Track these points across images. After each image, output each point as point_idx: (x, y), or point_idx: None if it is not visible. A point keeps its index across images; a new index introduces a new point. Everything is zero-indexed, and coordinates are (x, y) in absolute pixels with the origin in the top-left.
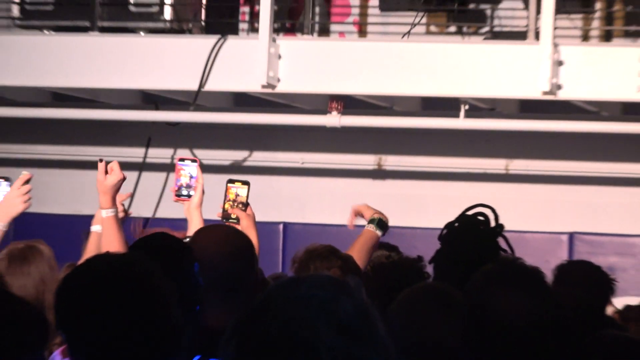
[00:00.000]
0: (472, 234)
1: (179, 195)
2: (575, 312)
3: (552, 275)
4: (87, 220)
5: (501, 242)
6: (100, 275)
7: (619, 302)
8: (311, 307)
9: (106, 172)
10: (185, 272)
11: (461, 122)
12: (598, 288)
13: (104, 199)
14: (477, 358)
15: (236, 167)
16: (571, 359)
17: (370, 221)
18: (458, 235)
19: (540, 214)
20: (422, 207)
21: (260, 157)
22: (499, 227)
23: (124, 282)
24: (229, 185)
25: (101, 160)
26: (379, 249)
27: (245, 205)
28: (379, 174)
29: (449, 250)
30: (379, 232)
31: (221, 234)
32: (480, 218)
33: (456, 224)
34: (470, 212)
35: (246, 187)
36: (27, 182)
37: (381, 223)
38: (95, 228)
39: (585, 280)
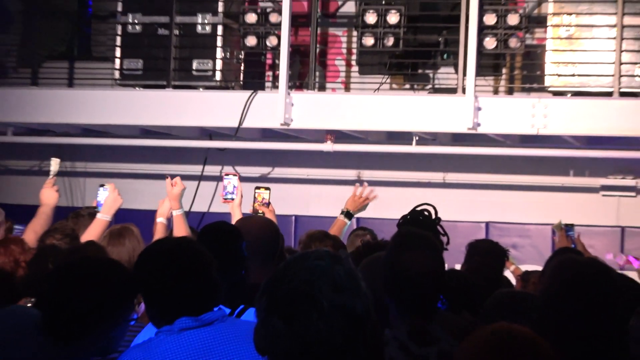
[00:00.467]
0: (419, 223)
1: (225, 198)
2: (479, 274)
3: (466, 249)
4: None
5: (439, 229)
6: (168, 249)
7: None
8: (315, 272)
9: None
10: (236, 247)
11: (413, 148)
12: (496, 255)
13: (173, 203)
14: (394, 301)
15: (263, 178)
16: (473, 306)
17: (341, 212)
18: (409, 223)
19: (466, 209)
20: (386, 205)
21: (279, 172)
22: (437, 219)
23: (184, 254)
24: (257, 190)
25: (168, 177)
26: (357, 230)
27: (268, 204)
28: (358, 182)
29: None
30: (346, 220)
31: (258, 222)
32: (425, 213)
33: (408, 216)
34: (418, 208)
35: (268, 191)
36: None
37: (348, 214)
38: (159, 220)
39: (487, 250)
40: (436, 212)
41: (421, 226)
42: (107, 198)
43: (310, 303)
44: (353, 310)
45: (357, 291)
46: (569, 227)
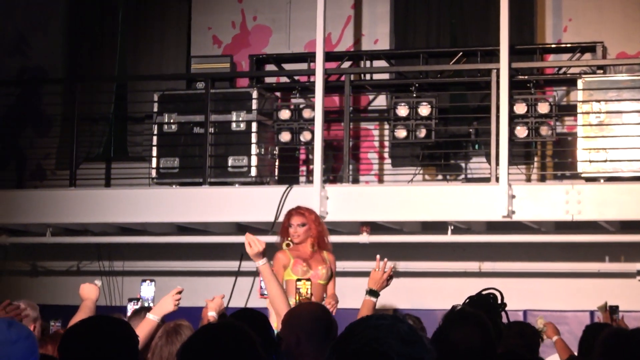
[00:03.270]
0: (482, 305)
1: (262, 294)
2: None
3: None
4: (199, 309)
5: (503, 314)
6: (214, 334)
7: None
8: (381, 329)
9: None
10: (266, 330)
11: (448, 238)
12: (530, 336)
13: (255, 259)
14: None
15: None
16: None
17: (366, 293)
18: (472, 305)
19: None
20: (422, 295)
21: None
22: (503, 304)
23: (237, 339)
24: (298, 282)
25: (247, 233)
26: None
27: (310, 296)
28: (395, 273)
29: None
30: (373, 299)
31: (309, 307)
32: (491, 297)
33: (475, 297)
34: (484, 292)
35: (309, 282)
36: (179, 292)
37: (373, 292)
38: (211, 314)
39: (521, 332)
40: (502, 298)
41: (484, 309)
42: (162, 299)
43: (381, 358)
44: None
45: (423, 344)
46: (614, 309)
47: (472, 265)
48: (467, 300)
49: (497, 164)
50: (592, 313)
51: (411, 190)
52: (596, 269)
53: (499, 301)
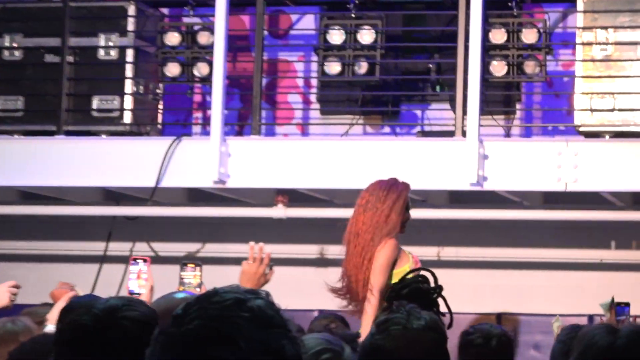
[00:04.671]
0: (413, 295)
1: (131, 293)
2: None
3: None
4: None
5: (441, 303)
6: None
7: None
8: (229, 307)
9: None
10: None
11: None
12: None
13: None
14: None
15: (190, 258)
16: None
17: None
18: (401, 296)
19: (470, 296)
20: None
21: (213, 249)
22: (438, 288)
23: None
24: (184, 267)
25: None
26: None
27: (200, 285)
28: (322, 262)
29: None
30: None
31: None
32: (421, 281)
33: (399, 286)
34: (410, 276)
35: (199, 268)
36: (15, 287)
37: None
38: (49, 327)
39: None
40: (436, 280)
41: (416, 300)
42: None
43: (223, 343)
44: (281, 351)
45: (285, 329)
46: (622, 307)
47: (428, 251)
48: (391, 294)
49: (465, 112)
50: (591, 318)
51: (346, 147)
52: (598, 258)
53: (433, 285)
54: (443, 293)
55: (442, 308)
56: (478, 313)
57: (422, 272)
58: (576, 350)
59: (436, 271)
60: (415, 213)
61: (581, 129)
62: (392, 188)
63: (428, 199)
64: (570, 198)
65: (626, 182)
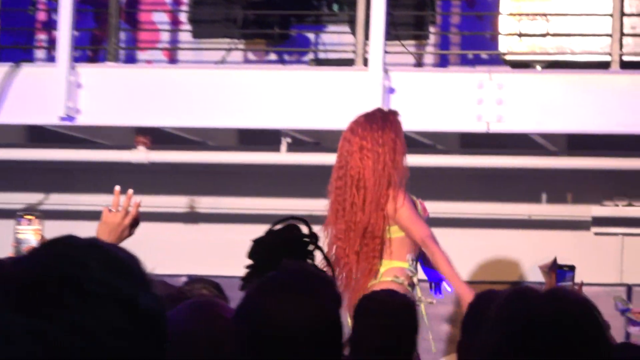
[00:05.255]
0: (284, 248)
1: None
2: None
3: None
4: None
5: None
6: None
7: None
8: (77, 248)
9: None
10: None
11: (283, 157)
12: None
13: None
14: None
15: (28, 210)
16: None
17: None
18: (268, 251)
19: None
20: (241, 255)
21: (59, 200)
22: (313, 237)
23: None
24: (21, 220)
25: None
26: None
27: None
28: (192, 217)
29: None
30: None
31: None
32: (292, 230)
33: (265, 239)
34: (277, 227)
35: (35, 225)
36: None
37: None
38: None
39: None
40: (310, 229)
41: (287, 251)
42: None
43: (65, 283)
44: (134, 301)
45: (144, 280)
46: (565, 271)
47: (320, 204)
48: (256, 248)
49: (367, 36)
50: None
51: (223, 78)
52: (526, 214)
53: (307, 233)
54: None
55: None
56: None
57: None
58: (490, 318)
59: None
60: (307, 158)
61: (507, 57)
62: (387, 124)
63: (323, 141)
64: (493, 141)
65: (560, 122)
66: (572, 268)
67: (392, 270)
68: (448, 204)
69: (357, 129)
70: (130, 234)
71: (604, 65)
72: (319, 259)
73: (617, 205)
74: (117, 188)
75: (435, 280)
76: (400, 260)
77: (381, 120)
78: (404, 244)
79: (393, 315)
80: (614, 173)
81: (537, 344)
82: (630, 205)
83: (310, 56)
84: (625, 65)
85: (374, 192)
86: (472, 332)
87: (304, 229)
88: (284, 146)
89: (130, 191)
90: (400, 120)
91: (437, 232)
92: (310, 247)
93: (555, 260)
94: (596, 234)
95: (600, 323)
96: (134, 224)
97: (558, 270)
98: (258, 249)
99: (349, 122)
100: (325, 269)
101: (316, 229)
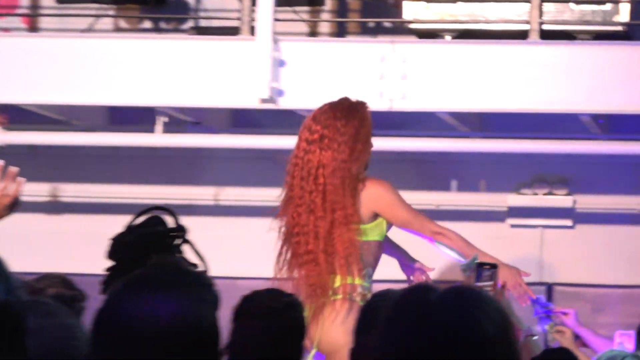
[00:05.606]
0: (148, 242)
1: None
2: None
3: None
4: None
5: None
6: None
7: None
8: None
9: None
10: None
11: (159, 139)
12: None
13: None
14: None
15: None
16: None
17: None
18: (128, 246)
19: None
20: (92, 255)
21: None
22: (180, 229)
23: None
24: None
25: None
26: None
27: None
28: (55, 207)
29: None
30: None
31: None
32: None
33: (126, 234)
34: (137, 221)
35: None
36: None
37: None
38: None
39: None
40: (177, 221)
41: (149, 246)
42: None
43: None
44: None
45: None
46: (483, 270)
47: (203, 193)
48: (114, 245)
49: (254, 1)
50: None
51: (90, 48)
52: (434, 204)
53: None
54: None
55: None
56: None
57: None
58: (383, 320)
59: (214, 219)
60: (186, 140)
61: (413, 26)
62: (353, 113)
63: (204, 120)
64: (397, 120)
65: (472, 99)
66: (493, 266)
67: (347, 287)
68: None
69: (320, 116)
70: (7, 214)
71: (521, 35)
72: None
73: (536, 194)
74: (1, 162)
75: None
76: (356, 275)
77: (346, 109)
78: (370, 248)
79: (274, 317)
80: (532, 157)
81: (431, 346)
82: (551, 194)
83: (190, 24)
84: (546, 35)
85: (333, 185)
86: (364, 336)
87: (170, 221)
88: (159, 126)
89: (13, 169)
90: (368, 112)
91: None
92: (177, 241)
93: (475, 258)
94: (512, 226)
95: (502, 324)
96: (13, 204)
97: (478, 269)
98: (118, 247)
99: (314, 110)
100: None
101: (194, 220)
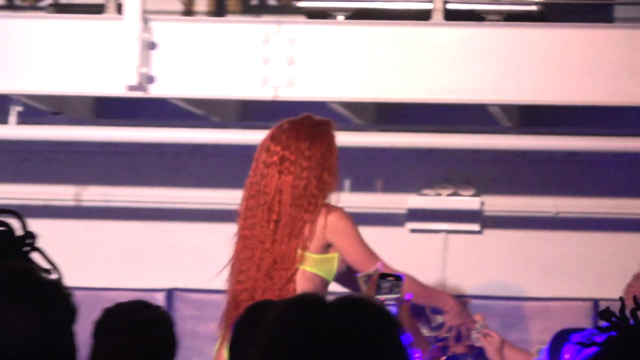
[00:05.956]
0: None
1: None
2: None
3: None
4: None
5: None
6: None
7: None
8: None
9: None
10: None
11: (12, 130)
12: None
13: None
14: None
15: None
16: None
17: None
18: None
19: (138, 262)
20: None
21: None
22: (28, 235)
23: None
24: None
25: None
26: None
27: None
28: None
29: None
30: None
31: None
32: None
33: None
34: None
35: None
36: None
37: None
38: None
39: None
40: (24, 225)
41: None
42: None
43: None
44: None
45: None
46: (386, 281)
47: (59, 192)
48: None
49: None
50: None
51: None
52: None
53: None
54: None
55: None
56: (135, 289)
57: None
58: (265, 331)
59: (74, 222)
60: (46, 132)
61: (301, 4)
62: (318, 134)
63: (64, 110)
64: (283, 110)
65: (367, 87)
66: (398, 278)
67: None
68: (224, 191)
69: (280, 136)
70: None
71: (423, 16)
72: None
73: (439, 195)
74: None
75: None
76: None
77: (311, 129)
78: (314, 284)
79: (139, 331)
80: (435, 154)
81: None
82: (455, 194)
83: (49, 0)
84: (451, 16)
85: (289, 215)
86: (241, 352)
87: (17, 225)
88: (13, 117)
89: None
90: (334, 133)
91: (212, 229)
92: (26, 249)
93: (377, 269)
94: (413, 230)
95: (389, 337)
96: None
97: (379, 280)
98: None
99: (271, 128)
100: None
101: (51, 223)
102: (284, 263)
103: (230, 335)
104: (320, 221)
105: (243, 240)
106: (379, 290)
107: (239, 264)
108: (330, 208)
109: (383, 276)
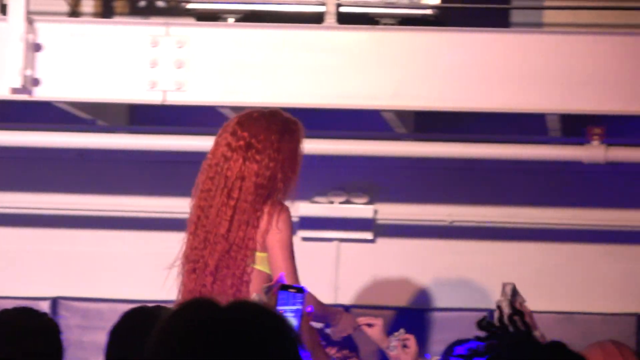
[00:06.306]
0: None
1: None
2: None
3: None
4: None
5: None
6: None
7: None
8: None
9: None
10: None
11: None
12: None
13: None
14: None
15: None
16: None
17: None
18: None
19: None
20: None
21: None
22: None
23: None
24: None
25: None
26: None
27: None
28: None
29: None
30: None
31: None
32: None
33: None
34: None
35: None
36: None
37: None
38: None
39: None
40: None
41: None
42: None
43: None
44: None
45: None
46: (287, 293)
47: None
48: None
49: None
50: None
51: None
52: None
53: None
54: None
55: None
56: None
57: None
58: (155, 338)
59: None
60: None
61: (190, 5)
62: (288, 131)
63: None
64: (172, 115)
65: (261, 92)
66: (299, 290)
67: None
68: (104, 198)
69: (247, 122)
70: None
71: (316, 19)
72: None
73: (331, 203)
74: None
75: None
76: None
77: (281, 123)
78: (254, 280)
79: (23, 339)
80: (328, 160)
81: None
82: (348, 202)
83: None
84: (344, 19)
85: (248, 203)
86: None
87: None
88: None
89: None
90: (302, 133)
91: (94, 235)
92: None
93: (279, 280)
94: (304, 239)
95: (280, 342)
96: None
97: (280, 292)
98: None
99: (236, 115)
100: None
101: None
102: (240, 250)
103: (106, 341)
104: (266, 219)
105: (196, 222)
106: (279, 301)
107: (192, 245)
108: (281, 210)
109: (284, 287)
